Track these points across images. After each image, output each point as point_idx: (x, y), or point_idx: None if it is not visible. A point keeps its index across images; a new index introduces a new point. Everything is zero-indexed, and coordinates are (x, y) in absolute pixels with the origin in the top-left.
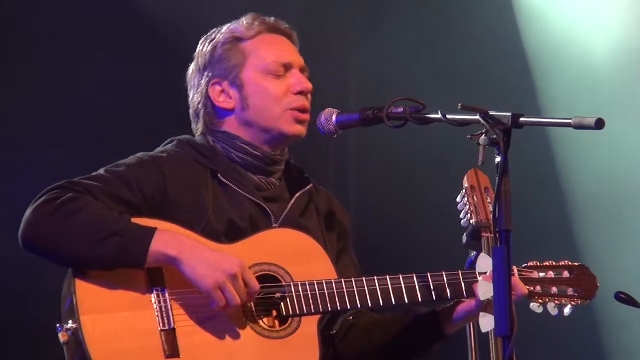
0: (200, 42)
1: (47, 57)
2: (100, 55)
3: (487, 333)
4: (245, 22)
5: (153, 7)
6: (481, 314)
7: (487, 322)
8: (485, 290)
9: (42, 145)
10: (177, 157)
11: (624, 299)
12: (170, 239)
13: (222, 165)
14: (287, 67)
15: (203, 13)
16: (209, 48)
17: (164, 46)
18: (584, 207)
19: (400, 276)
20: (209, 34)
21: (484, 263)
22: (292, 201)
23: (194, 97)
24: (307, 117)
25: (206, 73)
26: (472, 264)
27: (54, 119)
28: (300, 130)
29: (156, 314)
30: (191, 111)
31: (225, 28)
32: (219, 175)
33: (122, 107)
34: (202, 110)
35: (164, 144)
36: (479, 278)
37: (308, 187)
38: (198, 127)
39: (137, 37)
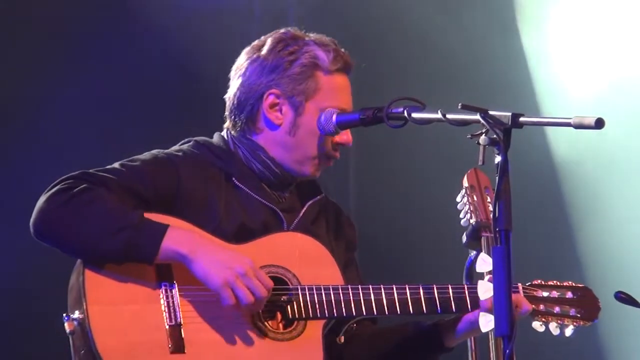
0: (272, 39)
1: (54, 53)
2: (111, 52)
3: (487, 332)
4: (330, 54)
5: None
6: (481, 313)
7: (486, 322)
8: (485, 289)
9: (49, 143)
10: (192, 158)
11: (624, 298)
12: (182, 237)
13: (238, 169)
14: None
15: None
16: (285, 57)
17: (171, 47)
18: (584, 205)
19: (407, 286)
20: (282, 34)
21: (484, 263)
22: (304, 209)
23: (242, 90)
24: (331, 165)
25: (271, 77)
26: (472, 264)
27: (62, 115)
28: (318, 174)
29: (163, 309)
30: (233, 101)
31: (306, 45)
32: (233, 178)
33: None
34: (247, 108)
35: (180, 143)
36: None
37: (319, 196)
38: (232, 122)
39: (144, 38)
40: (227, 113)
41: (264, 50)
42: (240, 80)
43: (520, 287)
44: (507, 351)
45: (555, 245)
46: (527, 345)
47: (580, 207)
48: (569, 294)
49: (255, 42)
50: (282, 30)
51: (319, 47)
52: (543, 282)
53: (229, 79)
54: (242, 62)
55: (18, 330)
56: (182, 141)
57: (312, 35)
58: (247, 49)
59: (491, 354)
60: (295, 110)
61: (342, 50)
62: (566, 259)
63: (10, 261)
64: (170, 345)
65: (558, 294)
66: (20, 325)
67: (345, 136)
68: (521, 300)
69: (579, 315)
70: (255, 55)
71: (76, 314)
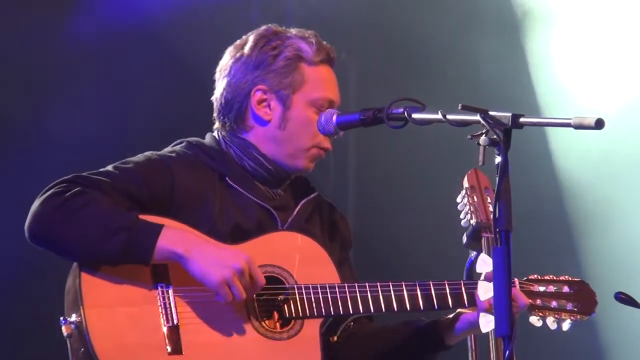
0: (254, 37)
1: (54, 54)
2: (111, 53)
3: (487, 333)
4: (313, 45)
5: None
6: (481, 313)
7: (486, 322)
8: (485, 290)
9: (48, 145)
10: (185, 158)
11: (624, 299)
12: (177, 237)
13: (231, 169)
14: (330, 105)
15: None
16: (269, 52)
17: (170, 48)
18: (583, 205)
19: (403, 284)
20: (264, 31)
21: (484, 263)
22: (298, 207)
23: (228, 90)
24: (324, 157)
25: (256, 74)
26: (472, 265)
27: (59, 119)
28: (311, 167)
29: (160, 310)
30: (220, 102)
31: (288, 39)
32: (227, 178)
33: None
34: (235, 107)
35: (172, 145)
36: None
37: (313, 195)
38: (221, 122)
39: (144, 40)
40: (215, 114)
41: (247, 48)
42: (225, 80)
43: (517, 282)
44: (507, 352)
45: (555, 246)
46: (527, 345)
47: (580, 207)
48: (566, 288)
49: (238, 42)
50: (263, 27)
51: (301, 39)
52: (539, 277)
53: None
54: (226, 62)
55: (17, 332)
56: (175, 142)
57: (294, 30)
58: (230, 48)
59: (491, 354)
60: (283, 104)
61: (324, 42)
62: (566, 259)
63: (8, 263)
64: (168, 347)
65: (555, 288)
66: (18, 327)
67: None
68: (518, 295)
69: (576, 310)
70: (238, 54)
71: (73, 317)
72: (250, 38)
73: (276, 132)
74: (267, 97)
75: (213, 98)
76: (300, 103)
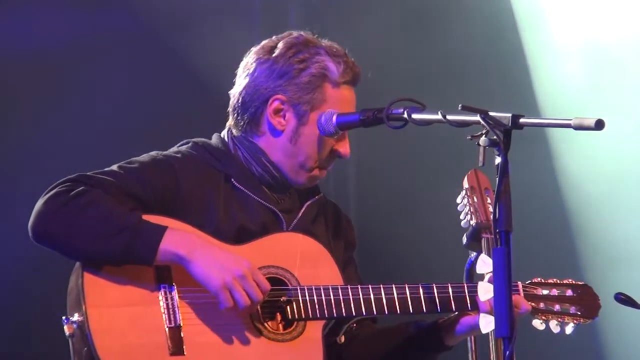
0: (284, 43)
1: (56, 55)
2: (108, 57)
3: (487, 333)
4: (340, 66)
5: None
6: (481, 314)
7: (486, 323)
8: (485, 291)
9: (49, 144)
10: (190, 159)
11: (624, 299)
12: (180, 238)
13: (237, 171)
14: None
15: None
16: (295, 65)
17: (172, 47)
18: (584, 206)
19: (406, 285)
20: (295, 39)
21: (484, 264)
22: (303, 209)
23: (248, 91)
24: (324, 176)
25: (279, 82)
26: (472, 265)
27: (64, 115)
28: (310, 185)
29: (162, 311)
30: (237, 99)
31: (317, 54)
32: (232, 179)
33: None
34: (250, 109)
35: (178, 145)
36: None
37: (318, 196)
38: (234, 119)
39: (147, 40)
40: (230, 109)
41: (275, 53)
42: (247, 80)
43: (520, 286)
44: (508, 352)
45: (555, 246)
46: (526, 345)
47: (580, 208)
48: (569, 292)
49: (266, 43)
50: (295, 35)
51: (330, 57)
52: (543, 280)
53: (227, 79)
54: (251, 61)
55: (19, 331)
56: (180, 142)
57: (325, 43)
58: (257, 48)
59: (491, 355)
60: (299, 118)
61: (352, 60)
62: (566, 259)
63: (11, 262)
64: (169, 347)
65: (558, 291)
66: (21, 327)
67: (343, 149)
68: (520, 301)
69: (579, 313)
70: (265, 57)
71: (75, 317)
72: (280, 44)
73: (287, 144)
74: (284, 108)
75: (231, 92)
76: (315, 121)
